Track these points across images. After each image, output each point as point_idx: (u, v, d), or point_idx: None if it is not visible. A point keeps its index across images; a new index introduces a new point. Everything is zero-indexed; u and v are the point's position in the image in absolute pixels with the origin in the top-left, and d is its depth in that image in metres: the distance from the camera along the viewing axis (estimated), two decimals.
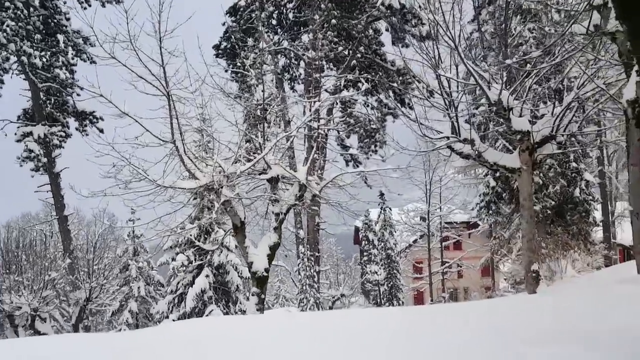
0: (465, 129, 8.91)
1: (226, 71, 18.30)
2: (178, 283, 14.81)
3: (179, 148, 10.13)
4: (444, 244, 24.51)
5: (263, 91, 10.62)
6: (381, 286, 20.32)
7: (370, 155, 15.89)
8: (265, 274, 10.08)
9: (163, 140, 10.34)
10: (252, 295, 10.04)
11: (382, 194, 20.73)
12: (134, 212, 16.95)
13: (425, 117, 9.06)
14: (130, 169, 10.00)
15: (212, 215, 9.62)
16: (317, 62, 15.11)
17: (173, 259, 14.93)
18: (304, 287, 15.15)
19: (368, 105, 17.05)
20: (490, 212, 16.28)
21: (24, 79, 18.40)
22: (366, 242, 22.01)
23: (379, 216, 23.07)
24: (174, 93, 10.24)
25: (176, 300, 14.70)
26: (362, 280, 21.27)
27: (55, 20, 18.32)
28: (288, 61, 18.88)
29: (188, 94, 10.85)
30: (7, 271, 13.84)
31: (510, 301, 9.11)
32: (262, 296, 10.02)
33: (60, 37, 18.24)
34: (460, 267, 26.79)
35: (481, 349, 4.49)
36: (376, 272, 19.76)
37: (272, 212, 10.50)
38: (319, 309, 15.37)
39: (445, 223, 23.89)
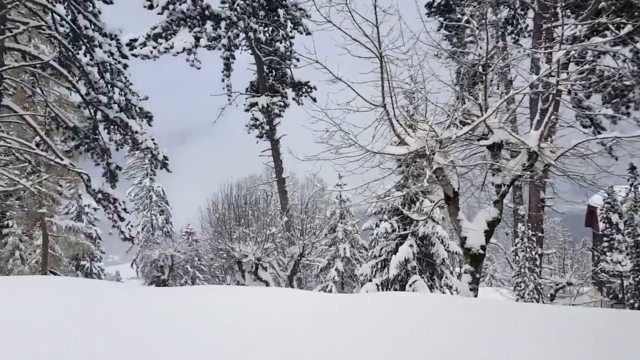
0: None
1: (438, 30, 17.29)
2: (381, 249, 14.81)
3: (389, 112, 9.72)
4: None
5: (487, 43, 9.17)
6: (625, 279, 16.61)
7: (620, 118, 12.74)
8: (481, 251, 9.01)
9: (373, 105, 10.04)
10: (465, 272, 9.10)
11: (632, 168, 16.43)
12: (341, 178, 17.64)
13: None
14: (341, 134, 10.03)
15: (424, 183, 8.85)
16: (551, 9, 12.70)
17: (377, 225, 14.96)
18: (522, 270, 13.38)
19: (618, 58, 13.67)
20: None
21: (250, 54, 20.49)
22: (607, 225, 18.09)
23: (628, 194, 18.46)
24: (386, 54, 9.83)
25: (379, 266, 14.77)
26: (596, 270, 17.79)
27: None
28: (512, 12, 16.58)
29: (400, 54, 10.31)
30: (237, 223, 15.92)
31: None
32: (477, 275, 9.01)
33: (281, 11, 19.56)
34: None
35: None
36: (619, 262, 16.18)
37: (493, 184, 9.26)
38: (539, 297, 13.44)
39: None
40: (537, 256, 13.89)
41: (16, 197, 22.06)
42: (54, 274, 24.75)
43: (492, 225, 9.21)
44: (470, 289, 9.02)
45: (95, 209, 32.97)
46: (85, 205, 32.28)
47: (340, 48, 10.02)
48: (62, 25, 12.38)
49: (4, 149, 14.72)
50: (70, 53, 12.11)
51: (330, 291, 18.50)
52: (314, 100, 19.60)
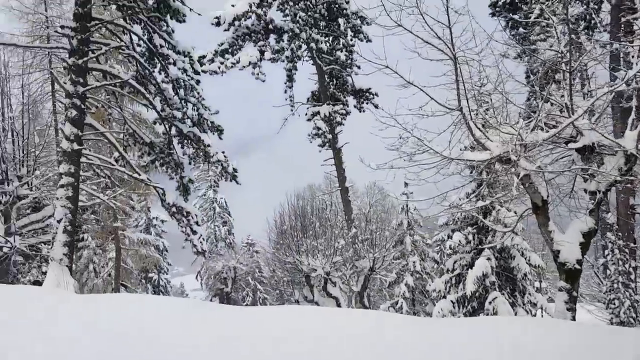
0: None
1: (504, 29, 16.93)
2: (455, 263, 14.12)
3: (466, 115, 9.38)
4: None
5: (570, 39, 8.59)
6: None
7: None
8: (577, 266, 8.30)
9: (448, 108, 9.74)
10: (560, 290, 8.42)
11: None
12: (407, 186, 17.17)
13: None
14: (414, 141, 9.78)
15: (512, 191, 8.32)
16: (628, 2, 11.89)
17: (449, 237, 14.30)
18: (615, 286, 12.21)
19: None
20: None
21: (312, 64, 20.69)
22: None
23: None
24: (459, 55, 9.59)
25: (453, 281, 14.06)
26: None
27: (337, 6, 19.84)
28: (585, 6, 15.70)
29: (474, 55, 10.03)
30: (304, 235, 15.79)
31: None
32: (574, 293, 8.30)
33: (341, 20, 19.68)
34: None
35: None
36: None
37: (585, 190, 8.56)
38: (635, 315, 12.19)
39: None
40: (631, 269, 12.67)
41: (91, 211, 23.27)
42: (125, 286, 25.82)
43: (589, 236, 8.50)
44: (568, 309, 8.31)
45: (162, 221, 34.27)
46: (154, 218, 33.60)
47: (410, 52, 9.88)
48: (139, 45, 12.94)
49: (83, 165, 15.50)
50: (146, 71, 12.61)
51: (401, 308, 17.85)
52: (376, 106, 19.42)
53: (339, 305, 14.59)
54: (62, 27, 12.07)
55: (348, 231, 16.64)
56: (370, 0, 10.04)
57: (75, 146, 11.02)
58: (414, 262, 18.80)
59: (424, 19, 9.25)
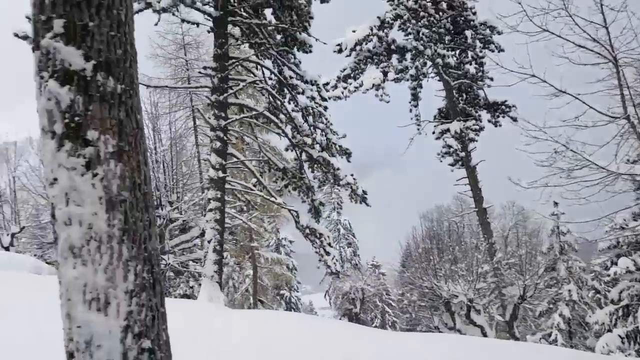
0: None
1: None
2: (621, 292, 12.10)
3: (634, 123, 8.25)
4: None
5: None
6: None
7: None
8: None
9: (612, 117, 8.66)
10: None
11: None
12: (557, 205, 15.47)
13: None
14: (571, 155, 8.84)
15: None
16: None
17: (613, 263, 12.33)
18: None
19: None
20: None
21: (437, 80, 19.91)
22: None
23: None
24: (620, 57, 8.54)
25: (620, 313, 12.05)
26: None
27: (463, 18, 18.93)
28: None
29: (637, 56, 8.89)
30: (441, 259, 14.89)
31: None
32: None
33: (468, 32, 18.71)
34: None
35: None
36: None
37: None
38: None
39: None
40: None
41: (229, 232, 25.05)
42: (262, 302, 27.14)
43: None
44: None
45: (290, 242, 35.60)
46: (283, 238, 35.06)
47: (557, 58, 9.09)
48: (270, 78, 13.63)
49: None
50: (278, 102, 13.18)
51: (555, 341, 15.79)
52: (515, 120, 17.91)
53: (484, 334, 13.37)
54: (205, 67, 13.23)
55: (490, 256, 15.26)
56: (508, 8, 9.42)
57: (221, 174, 11.83)
58: (569, 290, 16.43)
59: (573, 21, 8.56)
